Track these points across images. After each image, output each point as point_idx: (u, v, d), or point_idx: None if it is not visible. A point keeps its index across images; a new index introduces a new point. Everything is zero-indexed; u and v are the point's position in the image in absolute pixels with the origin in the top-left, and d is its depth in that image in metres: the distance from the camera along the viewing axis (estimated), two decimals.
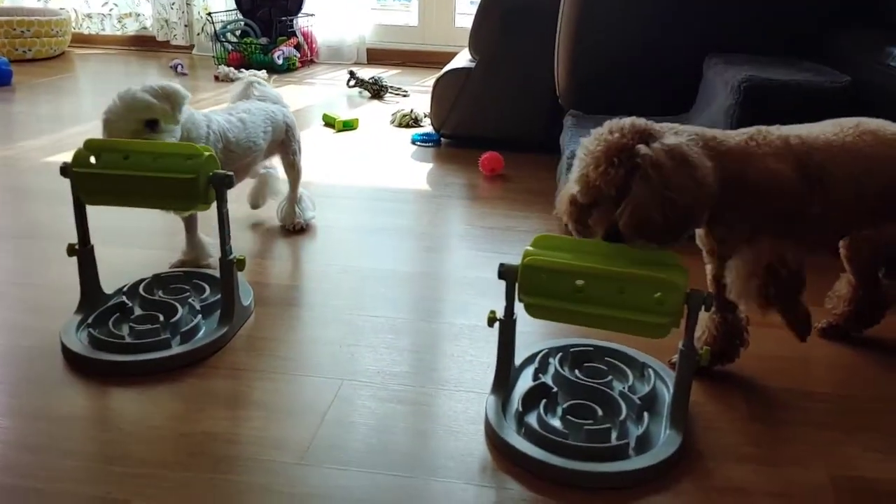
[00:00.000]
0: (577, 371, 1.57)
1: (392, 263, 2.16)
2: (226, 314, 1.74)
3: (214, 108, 3.76)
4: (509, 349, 1.51)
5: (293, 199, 2.36)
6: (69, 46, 5.12)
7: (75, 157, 1.64)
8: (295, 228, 2.34)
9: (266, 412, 1.50)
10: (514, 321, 1.48)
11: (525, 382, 1.56)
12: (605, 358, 1.63)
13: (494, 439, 1.42)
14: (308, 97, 4.13)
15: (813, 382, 1.65)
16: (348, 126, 3.48)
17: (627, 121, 1.41)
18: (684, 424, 1.43)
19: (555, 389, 1.51)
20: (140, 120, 1.79)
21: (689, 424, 1.46)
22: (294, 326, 1.81)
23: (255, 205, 2.46)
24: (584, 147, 1.41)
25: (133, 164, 1.62)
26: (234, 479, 1.32)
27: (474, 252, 2.26)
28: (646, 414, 1.45)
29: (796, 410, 1.55)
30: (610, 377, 1.56)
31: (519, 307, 1.42)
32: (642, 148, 1.35)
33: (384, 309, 1.91)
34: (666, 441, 1.40)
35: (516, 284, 1.40)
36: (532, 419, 1.44)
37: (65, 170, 1.64)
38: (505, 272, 1.42)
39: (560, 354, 1.62)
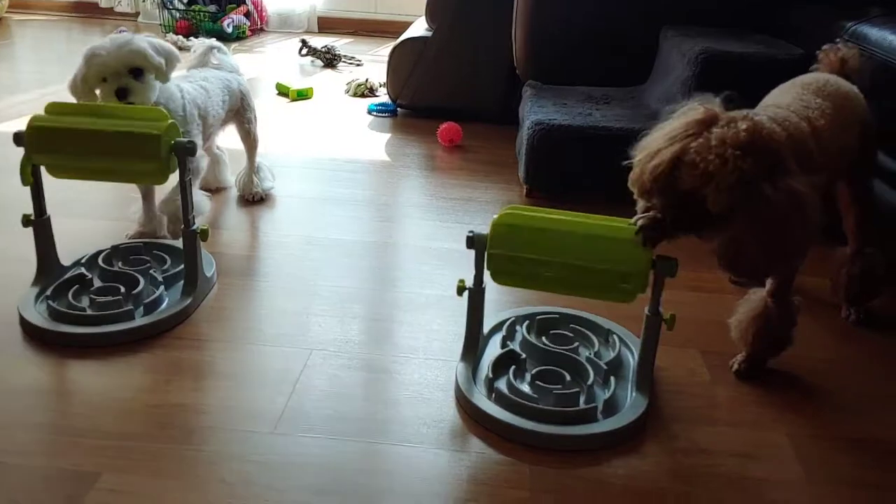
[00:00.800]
0: (543, 338, 1.59)
1: (354, 234, 2.16)
2: (189, 285, 1.72)
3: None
4: (478, 317, 1.52)
5: (251, 168, 2.33)
6: (7, 12, 4.93)
7: (33, 117, 1.60)
8: (254, 199, 2.32)
9: (236, 382, 1.49)
10: (483, 290, 1.49)
11: (493, 350, 1.58)
12: (570, 325, 1.65)
13: (465, 405, 1.44)
14: (259, 66, 4.06)
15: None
16: (302, 95, 3.43)
17: (744, 124, 1.25)
18: (650, 388, 1.47)
19: (523, 356, 1.53)
20: (129, 64, 1.77)
21: (654, 389, 1.50)
22: (258, 297, 1.80)
23: (207, 187, 2.35)
24: (702, 146, 1.25)
25: (95, 122, 1.58)
26: (208, 450, 1.31)
27: (437, 223, 2.26)
28: (612, 378, 1.49)
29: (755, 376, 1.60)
30: (576, 343, 1.59)
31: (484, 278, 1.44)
32: (767, 189, 1.23)
33: (349, 279, 1.90)
34: (632, 404, 1.43)
35: (485, 253, 1.42)
36: (502, 384, 1.46)
37: (18, 137, 1.60)
38: (475, 240, 1.43)
39: (526, 322, 1.64)
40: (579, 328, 1.65)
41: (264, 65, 4.09)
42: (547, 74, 2.84)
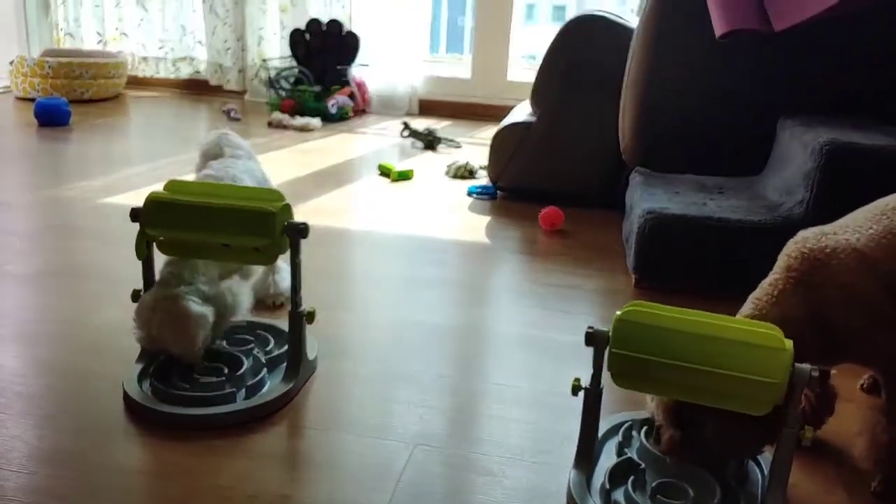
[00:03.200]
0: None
1: (451, 318, 2.10)
2: (292, 368, 1.67)
3: (267, 154, 3.78)
4: (594, 420, 1.42)
5: (268, 268, 2.07)
6: (125, 88, 5.19)
7: (151, 193, 1.61)
8: (275, 304, 2.07)
9: (335, 475, 1.42)
10: (601, 390, 1.40)
11: (609, 457, 1.47)
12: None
13: None
14: (361, 146, 4.12)
15: None
16: (404, 176, 3.45)
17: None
18: None
19: (642, 466, 1.42)
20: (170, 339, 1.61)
21: None
22: (359, 383, 1.74)
23: (264, 299, 2.08)
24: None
25: (211, 199, 1.59)
26: None
27: (539, 310, 2.18)
28: (741, 495, 1.35)
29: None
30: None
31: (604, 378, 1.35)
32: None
33: (452, 368, 1.83)
34: None
35: (606, 351, 1.33)
36: (619, 496, 1.35)
37: (136, 213, 1.61)
38: (595, 337, 1.34)
39: (644, 427, 1.53)
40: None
41: (365, 145, 4.15)
42: (655, 161, 2.77)
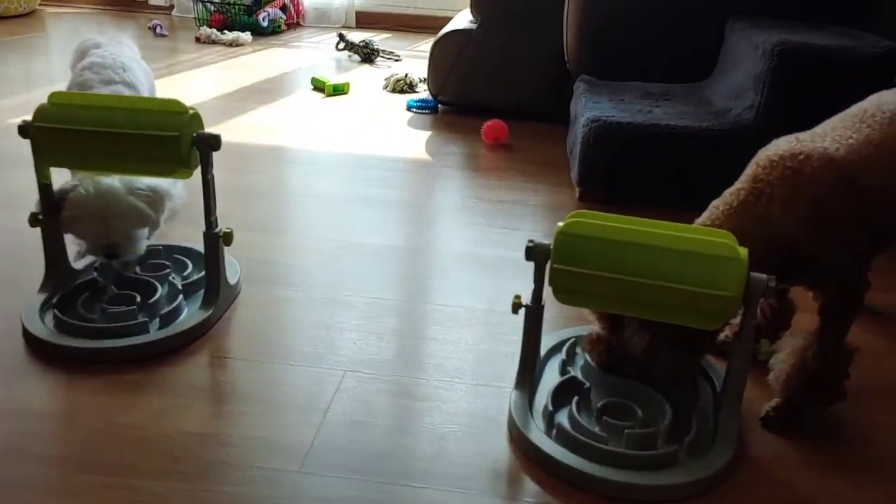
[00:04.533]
0: None
1: (392, 238, 1.97)
2: (211, 294, 1.54)
3: (194, 71, 3.55)
4: (535, 339, 1.33)
5: None
6: (40, 4, 4.83)
7: (37, 112, 1.43)
8: None
9: (260, 408, 1.31)
10: (542, 308, 1.30)
11: (552, 376, 1.38)
12: None
13: (521, 442, 1.24)
14: (295, 60, 3.90)
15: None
16: (339, 90, 3.26)
17: None
18: (737, 430, 1.26)
19: (586, 384, 1.33)
20: (122, 231, 1.48)
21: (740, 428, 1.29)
22: (287, 308, 1.62)
23: None
24: None
25: (104, 119, 1.41)
26: (226, 491, 1.14)
27: (483, 227, 2.07)
28: (692, 415, 1.28)
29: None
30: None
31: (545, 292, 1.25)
32: None
33: (388, 290, 1.72)
34: (719, 446, 1.23)
35: (546, 265, 1.22)
36: (563, 419, 1.27)
37: (24, 129, 1.43)
38: (535, 251, 1.24)
39: None
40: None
41: (300, 59, 3.93)
42: (601, 69, 2.63)
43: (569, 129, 2.58)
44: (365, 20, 4.79)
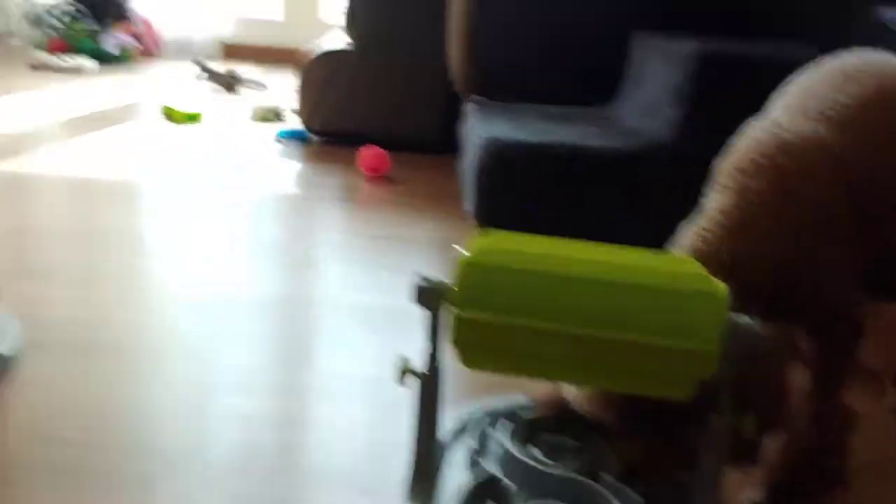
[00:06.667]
0: (535, 449, 1.00)
1: (256, 286, 1.57)
2: None
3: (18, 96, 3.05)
4: (432, 419, 0.93)
5: None
6: None
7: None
8: None
9: None
10: (438, 373, 0.91)
11: (458, 472, 0.98)
12: (574, 425, 1.06)
13: None
14: (145, 89, 3.45)
15: None
16: (192, 119, 2.84)
17: None
18: None
19: (508, 484, 0.94)
20: None
21: None
22: (96, 384, 1.18)
23: None
24: None
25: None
26: None
27: (356, 268, 1.69)
28: None
29: None
30: (589, 457, 1.00)
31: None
32: None
33: (238, 355, 1.31)
34: None
35: (446, 313, 0.84)
36: None
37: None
38: (428, 293, 0.86)
39: (505, 422, 1.05)
40: (589, 430, 1.06)
41: (153, 88, 3.48)
42: (492, 90, 2.32)
43: (459, 156, 2.24)
44: (232, 53, 4.41)
